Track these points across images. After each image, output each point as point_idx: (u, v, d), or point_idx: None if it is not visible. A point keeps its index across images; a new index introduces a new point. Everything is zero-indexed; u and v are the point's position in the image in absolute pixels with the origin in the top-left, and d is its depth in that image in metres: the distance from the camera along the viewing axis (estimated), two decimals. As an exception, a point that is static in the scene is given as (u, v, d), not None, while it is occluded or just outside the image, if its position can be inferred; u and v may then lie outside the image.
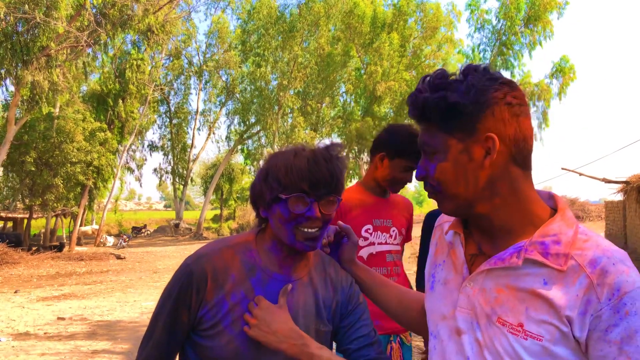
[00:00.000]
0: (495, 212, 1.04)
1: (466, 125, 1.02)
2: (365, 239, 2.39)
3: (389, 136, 2.38)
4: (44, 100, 17.78)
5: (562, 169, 15.77)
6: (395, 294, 1.44)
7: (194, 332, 1.29)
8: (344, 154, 1.34)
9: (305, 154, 1.26)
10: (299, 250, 1.31)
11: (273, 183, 1.26)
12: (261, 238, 1.37)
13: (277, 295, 1.30)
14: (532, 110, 28.97)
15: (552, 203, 1.10)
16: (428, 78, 1.07)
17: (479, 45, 29.12)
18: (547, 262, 0.98)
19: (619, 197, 15.85)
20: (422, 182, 1.14)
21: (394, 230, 2.47)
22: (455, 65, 31.12)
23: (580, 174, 15.21)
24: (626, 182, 14.04)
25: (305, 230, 1.26)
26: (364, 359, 1.34)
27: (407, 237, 2.61)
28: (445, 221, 1.26)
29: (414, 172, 2.39)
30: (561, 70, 28.01)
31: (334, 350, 1.40)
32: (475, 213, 1.06)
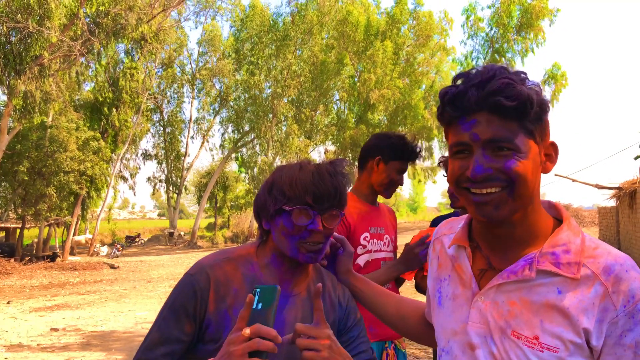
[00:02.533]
0: (525, 219, 1.04)
1: (543, 128, 1.02)
2: (364, 246, 2.40)
3: (381, 141, 2.45)
4: (37, 109, 17.73)
5: (556, 175, 15.83)
6: (392, 303, 1.43)
7: (202, 342, 1.26)
8: (348, 170, 1.35)
9: (311, 167, 1.27)
10: (301, 262, 1.30)
11: (278, 195, 1.27)
12: (262, 251, 1.36)
13: (277, 310, 1.29)
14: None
15: (553, 212, 1.11)
16: (508, 70, 1.00)
17: (472, 52, 29.34)
18: (560, 272, 0.99)
19: (612, 202, 15.94)
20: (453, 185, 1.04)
21: (387, 238, 2.50)
22: (448, 72, 31.31)
23: (574, 180, 15.29)
24: (619, 188, 14.13)
25: (309, 244, 1.26)
26: None
27: (395, 245, 2.63)
28: (443, 234, 1.25)
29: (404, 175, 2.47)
30: (553, 77, 28.21)
31: None
32: (513, 219, 1.03)
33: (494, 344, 1.04)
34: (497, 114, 0.98)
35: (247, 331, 1.05)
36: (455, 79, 1.04)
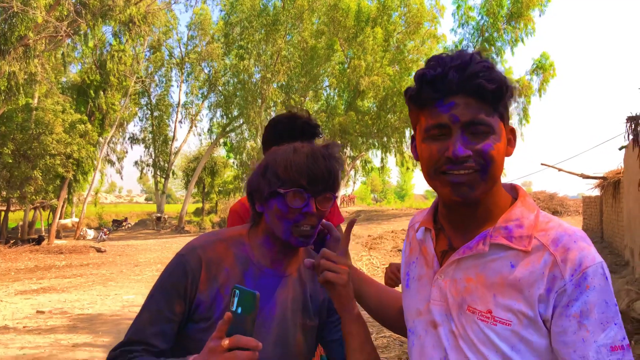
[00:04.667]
0: (487, 199, 1.07)
1: (508, 114, 1.06)
2: None
3: (280, 129, 2.17)
4: (21, 91, 17.45)
5: (542, 164, 15.95)
6: (374, 292, 1.45)
7: (193, 321, 1.27)
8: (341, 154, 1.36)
9: (304, 150, 1.29)
10: (293, 246, 1.32)
11: (272, 178, 1.28)
12: (254, 232, 1.38)
13: (268, 291, 1.32)
14: (513, 106, 29.23)
15: (514, 193, 1.14)
16: (480, 56, 1.03)
17: (462, 40, 29.32)
18: (512, 245, 1.02)
19: (596, 192, 16.12)
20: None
21: None
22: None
23: (559, 170, 15.43)
24: (603, 178, 14.29)
25: (302, 228, 1.28)
26: None
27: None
28: (416, 222, 1.28)
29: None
30: (541, 67, 28.32)
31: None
32: (479, 199, 1.06)
33: (453, 321, 1.07)
34: (475, 97, 0.99)
35: (226, 342, 1.05)
36: (428, 61, 1.05)
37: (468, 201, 1.04)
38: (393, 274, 2.41)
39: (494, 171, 1.02)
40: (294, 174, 1.25)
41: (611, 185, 13.56)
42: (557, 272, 0.97)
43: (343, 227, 2.41)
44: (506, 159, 1.08)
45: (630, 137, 7.28)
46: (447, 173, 1.02)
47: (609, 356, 0.94)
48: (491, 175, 1.02)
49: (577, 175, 14.95)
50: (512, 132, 1.08)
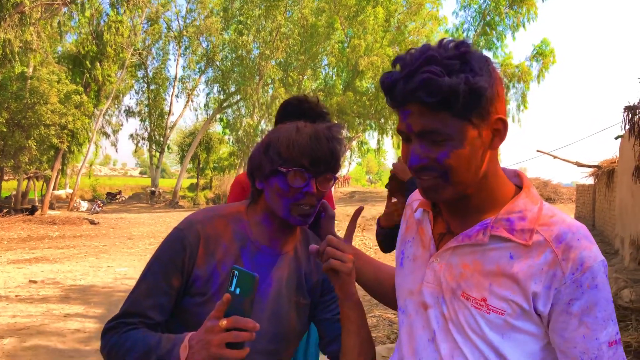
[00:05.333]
0: (479, 192, 1.06)
1: (483, 110, 0.98)
2: None
3: (290, 109, 2.23)
4: (17, 59, 17.22)
5: (538, 151, 15.98)
6: (370, 268, 1.46)
7: (189, 295, 1.28)
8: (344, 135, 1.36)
9: (307, 130, 1.28)
10: (292, 224, 1.33)
11: (274, 156, 1.27)
12: (252, 210, 1.38)
13: (264, 268, 1.32)
14: (512, 92, 29.18)
15: (517, 180, 1.13)
16: (435, 56, 0.96)
17: (463, 23, 29.09)
18: (513, 238, 1.01)
19: (590, 180, 16.22)
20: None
21: None
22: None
23: (555, 157, 15.48)
24: (597, 167, 14.36)
25: (302, 207, 1.28)
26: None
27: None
28: (415, 200, 1.27)
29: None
30: (541, 54, 28.19)
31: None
32: (467, 193, 1.04)
33: (445, 305, 1.07)
34: (426, 106, 0.96)
35: (224, 322, 1.05)
36: (394, 63, 1.02)
37: (438, 202, 1.06)
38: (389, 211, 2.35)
39: (456, 177, 1.00)
40: (296, 153, 1.25)
41: (605, 174, 13.63)
42: (558, 270, 0.97)
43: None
44: (502, 144, 1.05)
45: (627, 126, 7.27)
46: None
47: (608, 352, 0.97)
48: (455, 181, 1.00)
49: (572, 163, 15.01)
50: (502, 122, 1.02)
